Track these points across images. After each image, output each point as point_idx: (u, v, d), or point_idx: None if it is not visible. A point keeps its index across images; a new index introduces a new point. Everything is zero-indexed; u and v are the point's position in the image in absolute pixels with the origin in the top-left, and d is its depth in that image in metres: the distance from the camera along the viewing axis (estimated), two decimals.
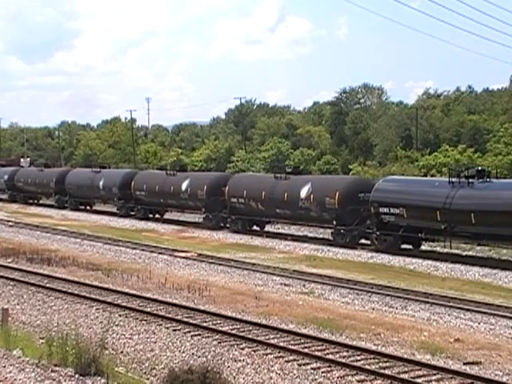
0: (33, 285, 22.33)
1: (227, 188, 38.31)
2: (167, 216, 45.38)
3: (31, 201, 58.14)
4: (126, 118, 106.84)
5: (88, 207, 52.43)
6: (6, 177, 59.92)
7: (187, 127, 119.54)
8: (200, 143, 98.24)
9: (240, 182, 39.02)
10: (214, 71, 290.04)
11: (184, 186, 41.16)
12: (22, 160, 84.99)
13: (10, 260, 27.70)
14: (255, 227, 38.16)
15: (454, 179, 28.67)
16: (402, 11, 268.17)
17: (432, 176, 56.48)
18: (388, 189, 31.38)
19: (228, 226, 38.54)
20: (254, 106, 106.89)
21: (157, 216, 45.17)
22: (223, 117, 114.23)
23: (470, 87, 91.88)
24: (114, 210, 48.16)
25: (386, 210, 30.38)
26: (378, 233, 30.90)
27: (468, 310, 19.65)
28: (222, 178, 41.65)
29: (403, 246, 30.72)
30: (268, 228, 38.65)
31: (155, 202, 43.95)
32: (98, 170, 50.81)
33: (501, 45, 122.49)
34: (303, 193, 33.83)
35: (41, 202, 57.70)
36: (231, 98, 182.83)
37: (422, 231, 29.70)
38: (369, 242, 32.20)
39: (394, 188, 31.57)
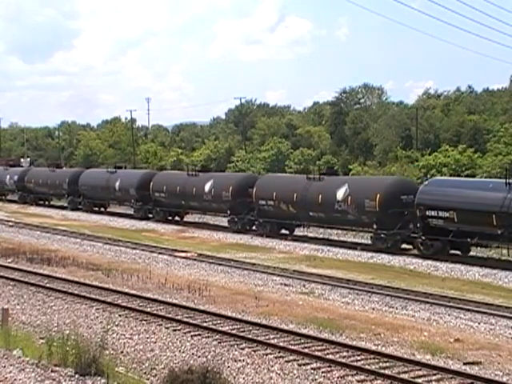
0: (33, 285, 22.34)
1: (255, 189, 36.79)
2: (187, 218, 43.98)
3: (42, 202, 56.55)
4: (126, 118, 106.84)
5: (102, 209, 50.65)
6: (15, 177, 58.38)
7: (187, 127, 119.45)
8: (200, 143, 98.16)
9: (269, 183, 37.43)
10: (214, 71, 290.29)
11: (207, 187, 39.71)
12: (21, 160, 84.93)
13: (10, 260, 27.71)
14: (283, 231, 36.53)
15: (511, 181, 26.99)
16: (403, 11, 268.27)
17: (432, 176, 56.46)
18: (436, 191, 29.50)
19: (255, 229, 37.15)
20: (254, 106, 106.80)
21: (176, 218, 43.68)
22: (223, 117, 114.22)
23: (469, 87, 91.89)
24: (131, 211, 46.57)
25: (433, 213, 28.74)
26: (423, 237, 29.20)
27: (468, 310, 19.66)
28: (248, 178, 40.11)
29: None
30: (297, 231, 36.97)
31: (175, 203, 42.37)
32: (114, 170, 49.26)
33: (501, 45, 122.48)
34: (340, 195, 32.17)
35: (52, 203, 56.26)
36: (231, 98, 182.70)
37: (473, 236, 28.23)
38: (410, 247, 30.76)
39: (443, 190, 29.52)
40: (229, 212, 38.36)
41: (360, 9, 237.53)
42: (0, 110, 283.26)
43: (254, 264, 27.34)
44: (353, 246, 32.24)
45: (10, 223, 42.17)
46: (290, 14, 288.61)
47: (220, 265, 27.17)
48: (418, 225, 29.70)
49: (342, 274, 25.36)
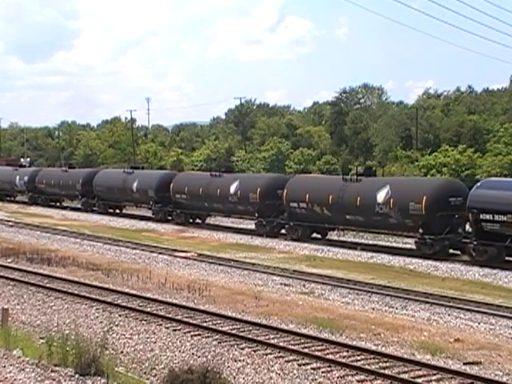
0: (33, 285, 22.33)
1: (285, 191, 34.74)
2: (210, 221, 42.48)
3: (53, 203, 55.02)
4: (126, 118, 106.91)
5: (118, 211, 48.86)
6: (26, 178, 56.60)
7: (187, 127, 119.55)
8: (200, 143, 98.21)
9: (301, 184, 35.34)
10: (214, 71, 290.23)
11: (233, 188, 37.71)
12: (21, 160, 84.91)
13: (10, 260, 27.70)
14: (315, 234, 34.72)
15: None
16: (403, 11, 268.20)
17: (432, 176, 56.49)
18: (491, 193, 27.44)
19: (285, 233, 35.30)
20: (254, 106, 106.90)
21: (197, 221, 41.78)
22: (223, 117, 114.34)
23: (469, 87, 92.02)
24: (148, 213, 44.98)
25: (488, 216, 26.80)
26: (476, 243, 27.36)
27: (468, 310, 19.66)
28: (277, 179, 38.06)
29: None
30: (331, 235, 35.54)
31: (198, 205, 40.44)
32: (131, 170, 47.49)
33: (501, 45, 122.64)
34: (380, 197, 30.27)
35: (64, 204, 54.90)
36: (231, 98, 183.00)
37: None
38: (459, 253, 29.18)
39: (499, 192, 27.45)
40: (256, 215, 36.42)
41: (360, 9, 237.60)
42: (0, 109, 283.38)
43: (253, 264, 27.33)
44: (353, 246, 32.23)
45: (10, 223, 42.16)
46: (290, 14, 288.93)
47: (220, 265, 27.16)
48: (470, 229, 28.12)
49: (342, 273, 25.36)
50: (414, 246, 30.40)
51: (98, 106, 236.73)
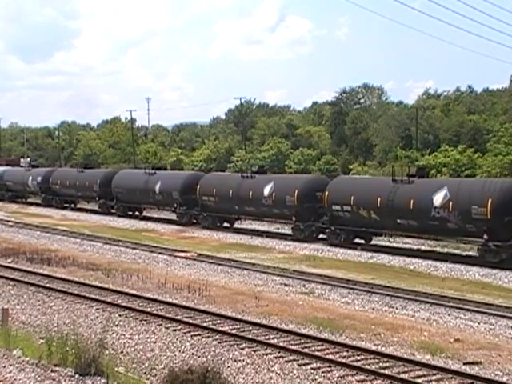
0: (33, 285, 22.33)
1: (326, 193, 32.72)
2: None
3: (67, 205, 53.05)
4: (126, 118, 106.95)
5: (137, 213, 46.68)
6: (39, 178, 54.53)
7: (187, 127, 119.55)
8: (200, 143, 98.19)
9: (345, 185, 33.38)
10: (214, 71, 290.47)
11: (267, 190, 35.71)
12: (21, 160, 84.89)
13: (10, 260, 27.69)
14: (358, 240, 32.83)
15: None
16: (403, 11, 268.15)
17: (432, 176, 56.44)
18: None
19: (325, 237, 33.53)
20: (254, 106, 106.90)
21: (225, 225, 39.71)
22: (223, 117, 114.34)
23: (469, 87, 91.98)
24: (171, 216, 43.28)
25: None
26: None
27: (468, 310, 19.66)
28: (316, 181, 36.30)
29: None
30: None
31: (227, 208, 38.27)
32: (153, 171, 44.98)
33: (501, 45, 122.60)
34: (437, 200, 28.22)
35: (79, 206, 53.20)
36: (231, 98, 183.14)
37: None
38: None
39: None
40: (294, 219, 34.44)
41: (360, 9, 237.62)
42: (0, 109, 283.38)
43: (253, 264, 27.33)
44: (353, 246, 32.20)
45: (10, 223, 42.15)
46: (291, 14, 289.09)
47: (220, 265, 27.16)
48: None
49: (342, 273, 25.36)
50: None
51: (98, 106, 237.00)
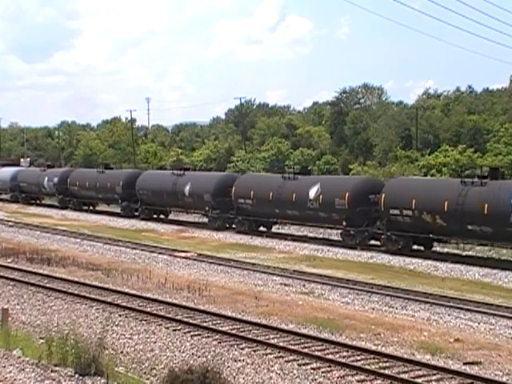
0: (33, 285, 22.33)
1: (383, 196, 30.39)
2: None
3: (86, 207, 50.97)
4: (126, 118, 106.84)
5: (162, 216, 44.64)
6: (55, 179, 52.42)
7: (187, 127, 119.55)
8: (200, 143, 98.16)
9: (405, 188, 30.80)
10: (214, 71, 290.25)
11: (312, 192, 33.28)
12: (21, 160, 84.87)
13: (9, 260, 27.70)
14: (416, 246, 30.63)
15: None
16: (403, 11, 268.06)
17: (432, 176, 56.45)
18: None
19: (380, 244, 31.14)
20: (254, 106, 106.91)
21: (262, 229, 37.32)
22: (223, 117, 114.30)
23: (469, 87, 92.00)
24: (202, 219, 41.75)
25: None
26: None
27: (468, 309, 19.66)
28: (370, 182, 34.22)
29: None
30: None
31: (266, 212, 35.98)
32: (181, 172, 42.60)
33: (501, 45, 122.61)
34: None
35: (98, 208, 50.93)
36: (231, 98, 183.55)
37: None
38: None
39: None
40: (344, 223, 31.97)
41: (360, 9, 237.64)
42: (0, 109, 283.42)
43: (254, 264, 27.33)
44: (353, 246, 32.18)
45: (10, 223, 42.15)
46: (291, 14, 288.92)
47: (220, 265, 27.16)
48: None
49: (342, 273, 25.36)
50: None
51: (98, 106, 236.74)
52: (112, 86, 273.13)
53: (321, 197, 32.86)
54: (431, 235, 29.42)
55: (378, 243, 31.52)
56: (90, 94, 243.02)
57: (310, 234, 37.02)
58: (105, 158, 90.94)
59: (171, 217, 45.04)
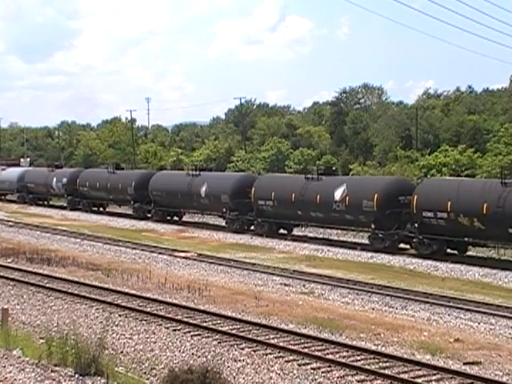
0: (33, 285, 22.33)
1: (415, 197, 29.09)
2: None
3: (96, 208, 49.93)
4: (126, 118, 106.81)
5: (176, 218, 43.58)
6: (64, 180, 51.61)
7: (187, 127, 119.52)
8: (200, 143, 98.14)
9: (439, 189, 29.20)
10: (214, 71, 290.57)
11: (338, 194, 32.11)
12: (21, 160, 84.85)
13: (9, 260, 27.70)
14: (450, 250, 29.23)
15: None
16: (403, 11, 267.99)
17: (432, 176, 56.42)
18: None
19: (412, 247, 29.82)
20: (254, 106, 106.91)
21: (282, 231, 36.23)
22: (223, 117, 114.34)
23: (469, 87, 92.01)
24: (218, 221, 40.98)
25: None
26: None
27: (468, 310, 19.66)
28: (400, 183, 32.79)
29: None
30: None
31: (288, 214, 34.83)
32: (197, 172, 41.53)
33: (501, 45, 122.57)
34: None
35: (108, 209, 50.05)
36: (231, 98, 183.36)
37: None
38: None
39: None
40: (373, 226, 30.82)
41: (360, 9, 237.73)
42: (0, 109, 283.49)
43: (254, 264, 27.33)
44: (352, 246, 32.20)
45: (10, 223, 42.15)
46: (291, 14, 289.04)
47: (220, 265, 27.16)
48: None
49: (342, 273, 25.36)
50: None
51: (98, 105, 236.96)
52: (112, 86, 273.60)
53: (347, 198, 31.69)
54: (466, 239, 28.32)
55: (407, 247, 30.75)
56: (90, 94, 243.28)
57: (310, 234, 37.02)
58: (105, 158, 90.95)
59: (186, 218, 44.03)
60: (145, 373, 13.71)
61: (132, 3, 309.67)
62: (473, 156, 61.78)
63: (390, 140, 75.22)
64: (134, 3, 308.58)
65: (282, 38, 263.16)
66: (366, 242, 33.60)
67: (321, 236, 36.46)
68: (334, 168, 39.22)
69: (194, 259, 28.64)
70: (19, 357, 13.35)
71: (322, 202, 32.68)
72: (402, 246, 31.34)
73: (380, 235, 30.61)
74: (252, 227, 37.28)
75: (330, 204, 32.30)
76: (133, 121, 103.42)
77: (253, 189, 36.44)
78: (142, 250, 31.19)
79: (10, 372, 12.28)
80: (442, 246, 28.91)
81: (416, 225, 29.33)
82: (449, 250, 29.44)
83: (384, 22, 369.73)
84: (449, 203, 27.94)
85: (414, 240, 29.49)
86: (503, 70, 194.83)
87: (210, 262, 27.73)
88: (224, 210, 38.26)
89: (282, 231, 36.44)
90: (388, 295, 21.54)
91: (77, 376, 12.19)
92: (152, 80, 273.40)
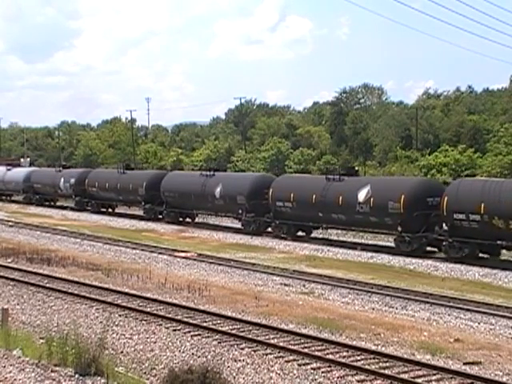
0: (33, 285, 22.33)
1: (445, 199, 27.91)
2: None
3: (104, 210, 48.78)
4: (126, 118, 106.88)
5: (189, 219, 42.34)
6: (72, 180, 50.44)
7: (187, 127, 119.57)
8: (200, 143, 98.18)
9: (472, 190, 27.67)
10: (214, 71, 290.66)
11: (362, 195, 30.98)
12: (21, 160, 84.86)
13: (9, 260, 27.70)
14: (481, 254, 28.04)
15: None
16: (403, 11, 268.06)
17: (432, 176, 56.45)
18: None
19: (442, 251, 28.68)
20: (254, 106, 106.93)
21: (300, 233, 35.15)
22: (223, 117, 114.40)
23: (470, 87, 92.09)
24: (232, 223, 39.91)
25: None
26: None
27: (468, 310, 19.66)
28: (427, 184, 31.64)
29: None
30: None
31: (309, 216, 33.59)
32: (212, 173, 40.34)
33: (501, 45, 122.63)
34: None
35: (117, 210, 49.10)
36: (231, 98, 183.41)
37: None
38: None
39: None
40: (399, 229, 29.51)
41: (360, 9, 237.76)
42: (0, 109, 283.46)
43: (254, 264, 27.32)
44: (353, 246, 32.19)
45: (10, 223, 42.14)
46: (291, 14, 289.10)
47: (220, 265, 27.15)
48: None
49: (342, 273, 25.35)
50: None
51: (98, 105, 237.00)
52: (112, 86, 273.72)
53: (372, 200, 30.43)
54: (500, 242, 27.09)
55: (435, 250, 29.82)
56: (90, 94, 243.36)
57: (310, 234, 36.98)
58: (105, 158, 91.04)
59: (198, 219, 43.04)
60: (145, 373, 13.70)
61: (132, 3, 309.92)
62: (473, 156, 61.86)
63: (390, 140, 75.32)
64: (134, 3, 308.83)
65: (282, 37, 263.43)
66: (366, 241, 33.66)
67: (321, 236, 36.43)
68: (356, 168, 38.18)
69: (194, 259, 28.63)
70: (19, 357, 13.34)
71: (344, 203, 31.54)
72: (428, 249, 30.42)
73: (407, 238, 29.43)
74: (269, 229, 36.38)
75: (353, 205, 31.18)
76: (133, 121, 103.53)
77: (270, 190, 35.41)
78: (142, 250, 31.19)
79: (10, 372, 12.28)
80: (473, 250, 27.72)
81: (446, 227, 28.32)
82: (480, 254, 28.33)
83: (384, 21, 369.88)
84: (482, 205, 26.66)
85: (444, 243, 28.29)
86: (503, 70, 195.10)
87: (210, 262, 27.73)
88: (240, 211, 37.09)
89: (299, 233, 35.35)
90: (388, 295, 21.54)
91: (77, 376, 12.18)
92: (152, 80, 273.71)
